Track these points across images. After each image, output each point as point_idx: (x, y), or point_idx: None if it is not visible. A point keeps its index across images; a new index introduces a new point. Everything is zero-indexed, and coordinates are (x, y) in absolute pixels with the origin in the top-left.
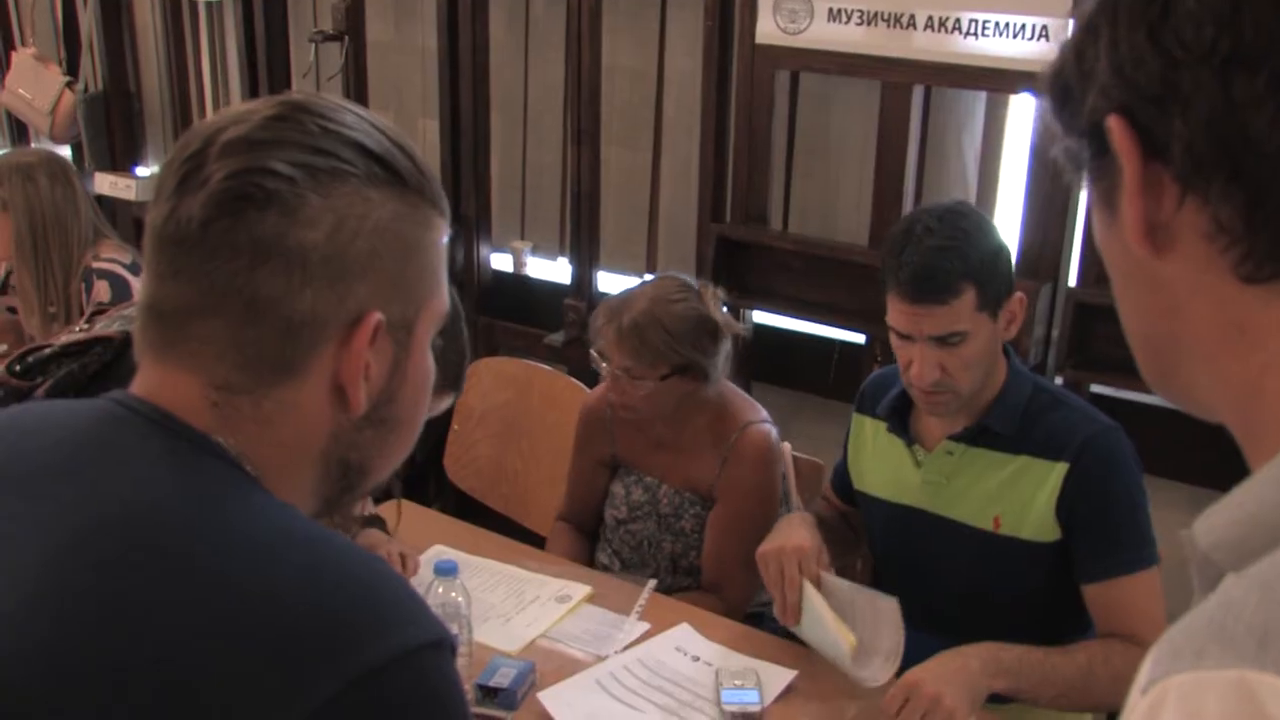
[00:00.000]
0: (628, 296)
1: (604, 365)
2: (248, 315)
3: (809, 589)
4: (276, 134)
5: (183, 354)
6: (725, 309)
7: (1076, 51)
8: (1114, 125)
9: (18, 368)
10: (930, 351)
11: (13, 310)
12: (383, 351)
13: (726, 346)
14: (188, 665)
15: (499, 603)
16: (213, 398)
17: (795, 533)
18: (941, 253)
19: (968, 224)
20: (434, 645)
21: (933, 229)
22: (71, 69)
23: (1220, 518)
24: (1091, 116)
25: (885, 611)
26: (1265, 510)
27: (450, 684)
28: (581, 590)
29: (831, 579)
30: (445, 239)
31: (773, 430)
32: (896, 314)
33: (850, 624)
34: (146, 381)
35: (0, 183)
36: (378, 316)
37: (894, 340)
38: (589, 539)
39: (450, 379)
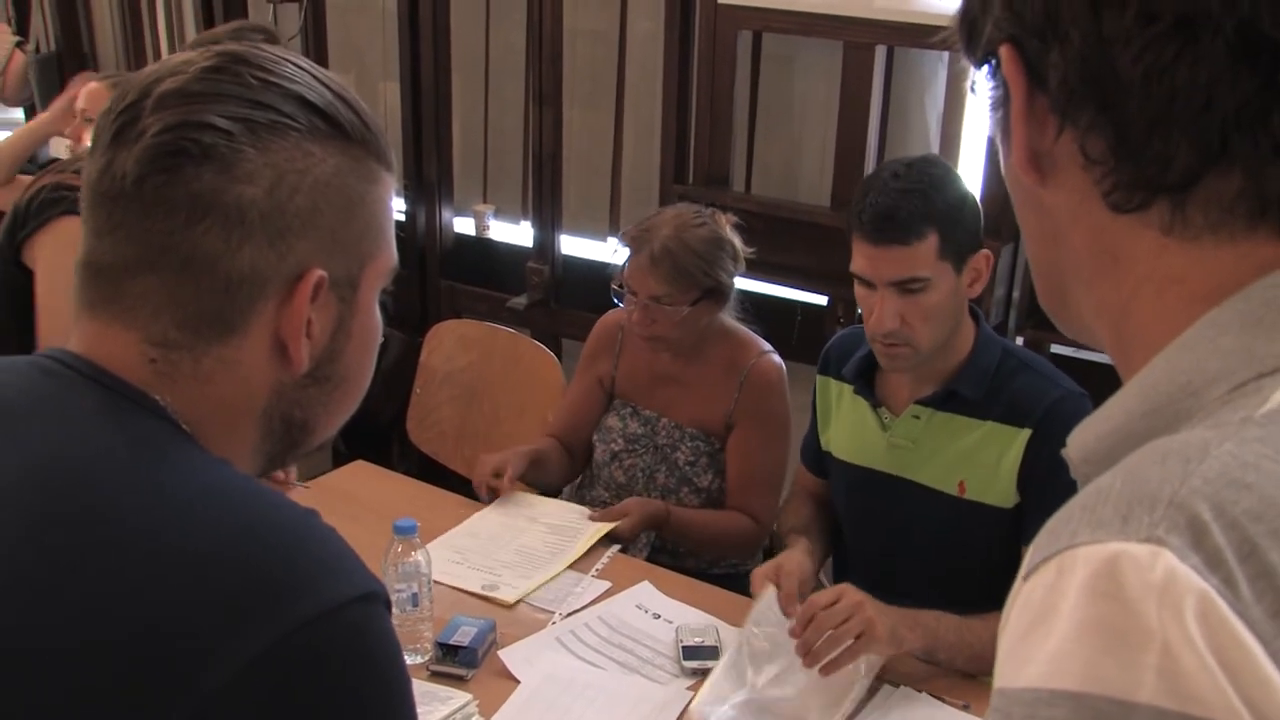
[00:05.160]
0: (648, 225)
1: (631, 297)
2: (185, 273)
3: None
4: (213, 87)
5: (119, 311)
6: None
7: None
8: (1004, 55)
9: None
10: (891, 299)
11: None
12: (326, 308)
13: (741, 270)
14: (118, 622)
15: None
16: (150, 354)
17: (793, 557)
18: (905, 195)
19: (935, 171)
20: (365, 599)
21: (899, 174)
22: (21, 29)
23: (1090, 432)
24: (987, 47)
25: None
26: (1130, 421)
27: (382, 637)
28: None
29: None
30: (391, 193)
31: (782, 362)
32: (859, 258)
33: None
34: (84, 337)
35: None
36: (319, 273)
37: (858, 290)
38: (570, 461)
39: None
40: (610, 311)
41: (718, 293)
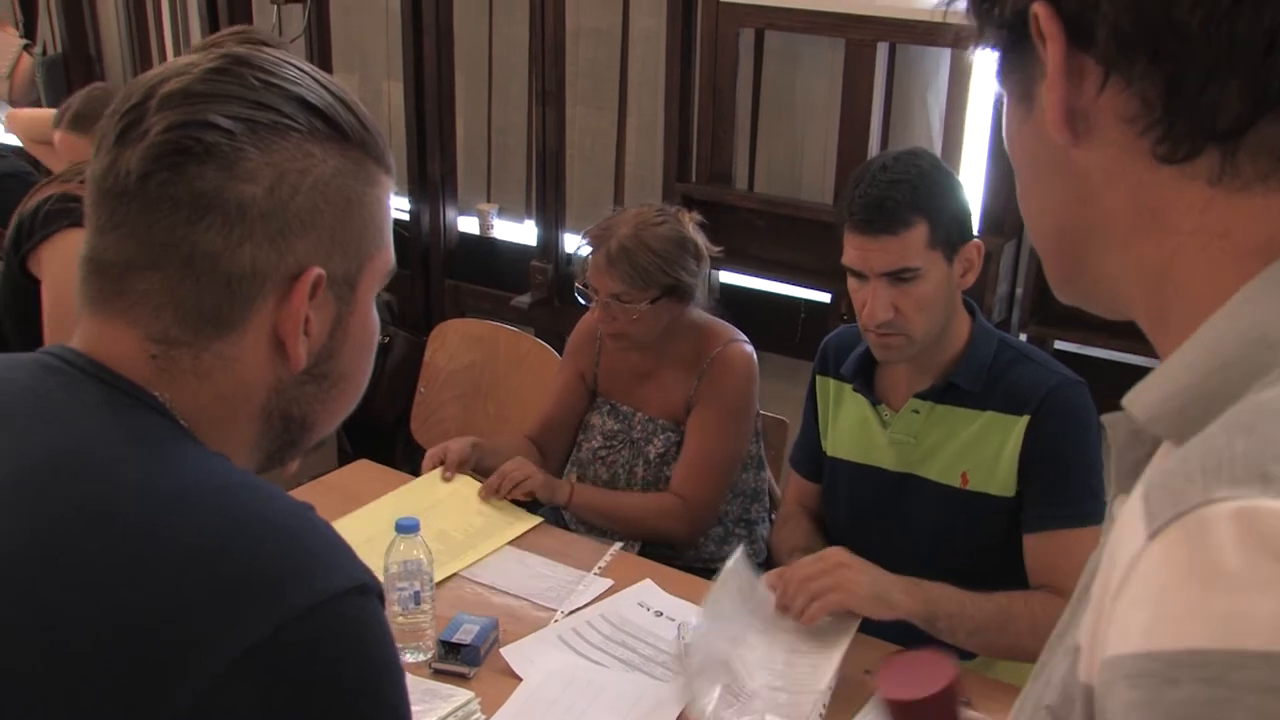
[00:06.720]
0: (609, 224)
1: (593, 296)
2: (186, 269)
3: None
4: (216, 87)
5: (121, 307)
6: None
7: None
8: (1040, 12)
9: None
10: (883, 290)
11: None
12: (324, 307)
13: (706, 268)
14: (116, 616)
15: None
16: (151, 350)
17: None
18: (893, 185)
19: (923, 163)
20: (358, 590)
21: (887, 166)
22: (29, 31)
23: (1154, 393)
24: (1014, 6)
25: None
26: (1199, 379)
27: (375, 628)
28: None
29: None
30: (390, 195)
31: (752, 350)
32: (850, 250)
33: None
34: (85, 334)
35: None
36: (318, 272)
37: (850, 283)
38: (541, 460)
39: None
40: (586, 315)
41: (678, 291)
